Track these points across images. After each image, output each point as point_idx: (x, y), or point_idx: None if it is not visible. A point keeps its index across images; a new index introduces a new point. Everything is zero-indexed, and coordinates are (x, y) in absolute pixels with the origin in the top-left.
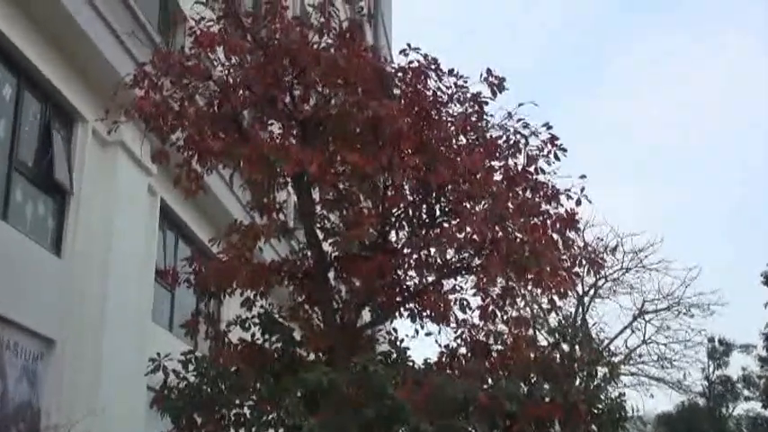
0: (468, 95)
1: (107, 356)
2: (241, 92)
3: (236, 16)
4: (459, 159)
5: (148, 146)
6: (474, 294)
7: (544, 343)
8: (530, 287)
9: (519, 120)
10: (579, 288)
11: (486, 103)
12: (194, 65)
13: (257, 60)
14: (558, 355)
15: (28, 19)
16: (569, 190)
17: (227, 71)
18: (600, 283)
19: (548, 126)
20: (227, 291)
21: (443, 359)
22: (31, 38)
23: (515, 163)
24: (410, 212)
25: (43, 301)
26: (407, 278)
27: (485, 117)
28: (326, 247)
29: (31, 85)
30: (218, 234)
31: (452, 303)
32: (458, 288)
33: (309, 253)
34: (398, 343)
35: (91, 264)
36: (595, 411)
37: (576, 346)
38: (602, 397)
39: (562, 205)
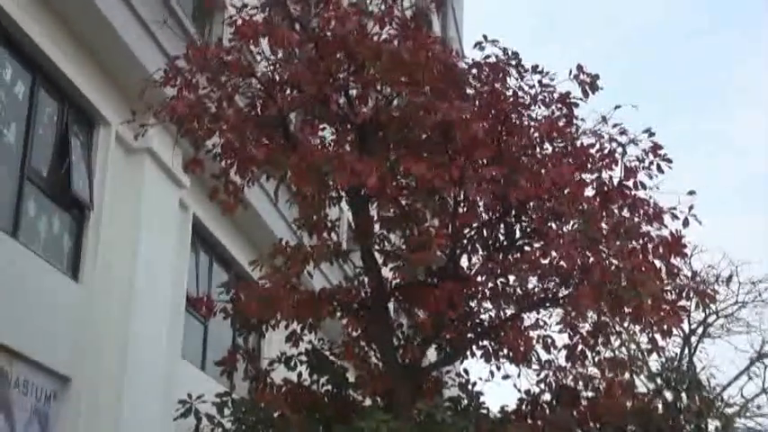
0: (555, 96)
1: (129, 397)
2: (288, 91)
3: (283, 3)
4: (543, 171)
5: (180, 154)
6: (560, 331)
7: (643, 390)
8: (627, 323)
9: (615, 125)
10: (686, 325)
11: (577, 106)
12: (234, 59)
13: (307, 54)
14: (660, 405)
15: (44, 7)
16: (674, 208)
17: (272, 67)
18: (710, 319)
19: (649, 132)
20: (270, 323)
21: (523, 407)
22: (47, 28)
23: (610, 176)
24: (485, 233)
25: (57, 331)
26: (482, 311)
27: (574, 122)
28: (386, 273)
29: (46, 82)
30: (260, 257)
31: (534, 341)
32: (541, 323)
33: (366, 280)
34: (470, 387)
35: (112, 290)
36: None
37: (682, 394)
38: None
39: (666, 227)
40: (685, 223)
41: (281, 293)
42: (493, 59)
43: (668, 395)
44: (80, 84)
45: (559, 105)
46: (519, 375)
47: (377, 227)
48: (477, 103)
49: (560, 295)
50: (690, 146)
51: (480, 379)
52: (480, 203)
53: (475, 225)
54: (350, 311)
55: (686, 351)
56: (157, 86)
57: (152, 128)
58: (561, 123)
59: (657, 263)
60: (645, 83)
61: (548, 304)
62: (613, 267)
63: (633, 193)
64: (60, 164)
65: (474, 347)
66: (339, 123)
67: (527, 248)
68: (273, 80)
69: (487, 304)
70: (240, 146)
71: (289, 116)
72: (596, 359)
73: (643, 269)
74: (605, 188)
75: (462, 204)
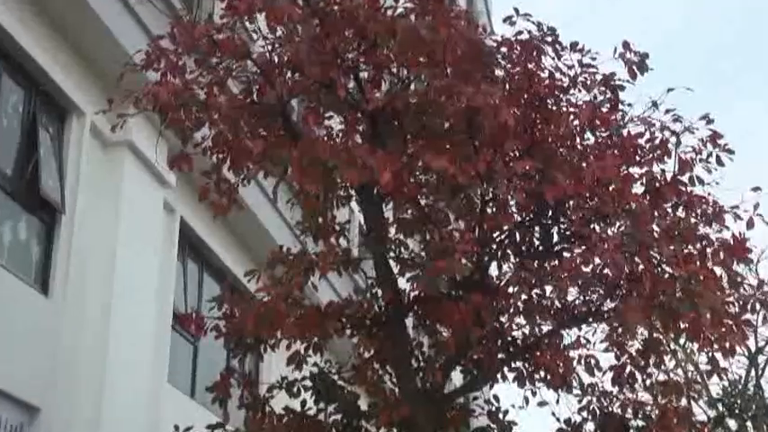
0: (598, 78)
1: (107, 430)
2: (289, 75)
3: None
4: (585, 165)
5: (165, 147)
6: (605, 350)
7: (703, 418)
8: (683, 341)
9: (667, 111)
10: (752, 342)
11: (623, 89)
12: (227, 39)
13: (311, 32)
14: None
15: None
16: (737, 207)
17: (270, 47)
18: None
19: (708, 119)
20: (269, 342)
21: None
22: (11, 4)
23: (662, 170)
24: (517, 238)
25: (24, 354)
26: (514, 327)
27: (620, 107)
28: (403, 284)
29: (10, 66)
30: (258, 266)
31: (575, 362)
32: (583, 341)
33: (380, 292)
34: (501, 416)
35: (87, 305)
36: None
37: (748, 423)
38: None
39: (728, 228)
40: (750, 224)
41: (282, 308)
42: (525, 36)
43: (731, 424)
44: (49, 68)
45: (603, 89)
46: (558, 402)
47: (392, 230)
48: (507, 86)
49: (605, 309)
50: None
51: (513, 406)
52: (512, 203)
53: (505, 228)
54: (361, 329)
55: (752, 373)
56: (138, 70)
57: (132, 118)
58: (605, 110)
59: (718, 270)
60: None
61: (590, 319)
62: (666, 276)
63: (689, 189)
64: (27, 160)
65: (505, 370)
66: (348, 111)
67: (566, 255)
68: (272, 62)
69: (521, 320)
70: (234, 138)
71: (290, 103)
72: (647, 383)
73: (701, 278)
74: (656, 184)
75: (491, 204)
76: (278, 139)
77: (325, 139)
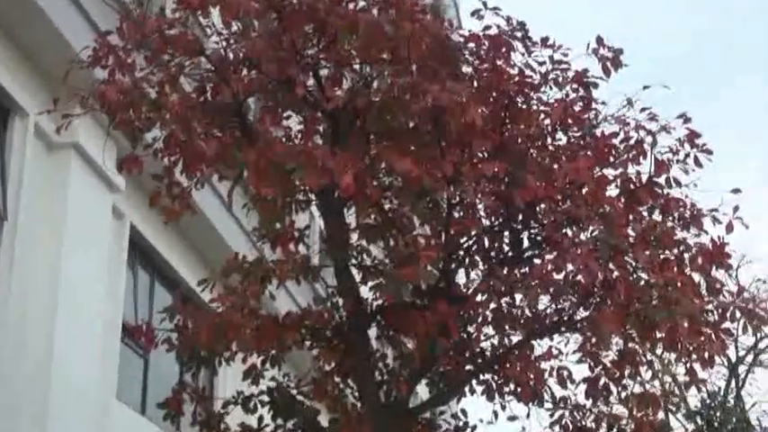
0: (570, 75)
1: None
2: (245, 72)
3: None
4: (556, 166)
5: (114, 149)
6: (578, 361)
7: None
8: (660, 351)
9: (643, 109)
10: (732, 352)
11: (596, 86)
12: (179, 34)
13: (268, 27)
14: None
15: None
16: (716, 210)
17: (225, 43)
18: (762, 344)
19: (685, 118)
20: (224, 355)
21: None
22: None
23: (638, 171)
24: (486, 243)
25: None
26: (482, 337)
27: (594, 106)
28: (366, 292)
29: None
30: (212, 274)
31: (547, 374)
32: (555, 352)
33: (342, 301)
34: (470, 431)
35: (29, 317)
36: None
37: None
38: None
39: (706, 232)
40: (729, 228)
41: (238, 319)
42: (494, 31)
43: None
44: None
45: (575, 86)
46: (528, 416)
47: (354, 237)
48: (474, 84)
49: (578, 318)
50: (745, 126)
51: (481, 421)
52: (480, 206)
53: (473, 233)
54: (321, 340)
55: (732, 384)
56: (85, 68)
57: (79, 118)
58: (577, 108)
59: (696, 276)
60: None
61: (563, 329)
62: (642, 283)
63: (666, 191)
64: None
65: (473, 382)
66: (307, 111)
67: (537, 261)
68: (227, 59)
69: (489, 330)
70: (187, 139)
71: (246, 103)
72: (622, 395)
73: (678, 285)
74: (631, 186)
75: (457, 208)
76: (233, 141)
77: (284, 140)
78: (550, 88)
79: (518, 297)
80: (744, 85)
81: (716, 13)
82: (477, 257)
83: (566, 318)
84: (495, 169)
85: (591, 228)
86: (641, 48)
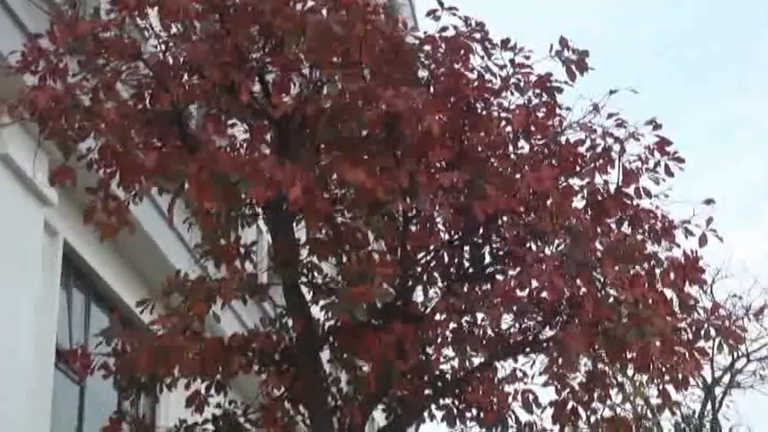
0: (533, 79)
1: None
2: (186, 77)
3: None
4: (519, 176)
5: (45, 161)
6: (544, 384)
7: None
8: (630, 372)
9: (611, 116)
10: (707, 372)
11: (561, 91)
12: (115, 37)
13: (210, 29)
14: None
15: None
16: (689, 222)
17: (164, 46)
18: (739, 364)
19: (655, 125)
20: (166, 381)
21: None
22: None
23: (605, 181)
24: (445, 258)
25: None
26: (442, 360)
27: (558, 112)
28: (317, 312)
29: None
30: (152, 295)
31: (511, 397)
32: (519, 374)
33: (291, 322)
34: None
35: None
36: None
37: None
38: None
39: (678, 245)
40: (702, 241)
41: (179, 342)
42: (452, 32)
43: None
44: None
45: (538, 91)
46: None
47: (304, 253)
48: (431, 89)
49: (543, 337)
50: (720, 137)
51: None
52: (438, 220)
53: (431, 248)
54: (270, 364)
55: (708, 406)
56: (13, 73)
57: (7, 128)
58: (540, 114)
59: (668, 293)
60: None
61: (527, 349)
62: (611, 300)
63: (635, 202)
64: None
65: (433, 407)
66: (253, 118)
67: (499, 277)
68: (166, 63)
69: (449, 351)
70: (123, 150)
71: (187, 110)
72: (592, 419)
73: (650, 302)
74: (599, 197)
75: (414, 221)
76: (173, 151)
77: (228, 150)
78: (512, 93)
79: (479, 316)
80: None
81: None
82: (435, 274)
83: (530, 338)
84: (454, 179)
85: (556, 242)
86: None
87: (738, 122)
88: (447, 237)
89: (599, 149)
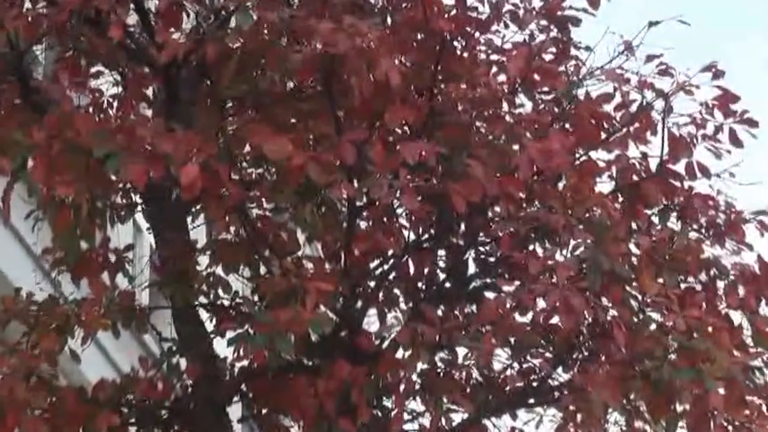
0: (537, 5)
1: None
2: (29, 5)
3: None
4: (517, 148)
5: None
6: None
7: None
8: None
9: (650, 58)
10: None
11: (578, 23)
12: None
13: None
14: None
15: None
16: (765, 213)
17: None
18: None
19: (715, 71)
20: None
21: None
22: None
23: (644, 154)
24: (410, 269)
25: None
26: (406, 416)
27: (574, 53)
28: (223, 349)
29: None
30: None
31: None
32: None
33: (185, 363)
34: None
35: None
36: None
37: None
38: None
39: (750, 248)
40: None
41: (20, 393)
42: None
43: None
44: None
45: (545, 23)
46: None
47: (203, 261)
48: (388, 20)
49: (555, 383)
50: None
51: None
52: (399, 212)
53: (389, 253)
54: (155, 424)
55: None
56: None
57: None
58: (549, 57)
59: (735, 316)
60: None
61: (532, 401)
62: (652, 327)
63: (686, 185)
64: None
65: None
66: (128, 66)
67: (489, 295)
68: None
69: (417, 404)
70: None
71: (31, 53)
72: None
73: (709, 329)
74: (633, 178)
75: (364, 214)
76: (11, 113)
77: (90, 110)
78: (506, 26)
79: (461, 352)
80: None
81: None
82: (395, 291)
83: (536, 383)
84: (422, 153)
85: (572, 243)
86: None
87: None
88: (412, 237)
89: (633, 108)
